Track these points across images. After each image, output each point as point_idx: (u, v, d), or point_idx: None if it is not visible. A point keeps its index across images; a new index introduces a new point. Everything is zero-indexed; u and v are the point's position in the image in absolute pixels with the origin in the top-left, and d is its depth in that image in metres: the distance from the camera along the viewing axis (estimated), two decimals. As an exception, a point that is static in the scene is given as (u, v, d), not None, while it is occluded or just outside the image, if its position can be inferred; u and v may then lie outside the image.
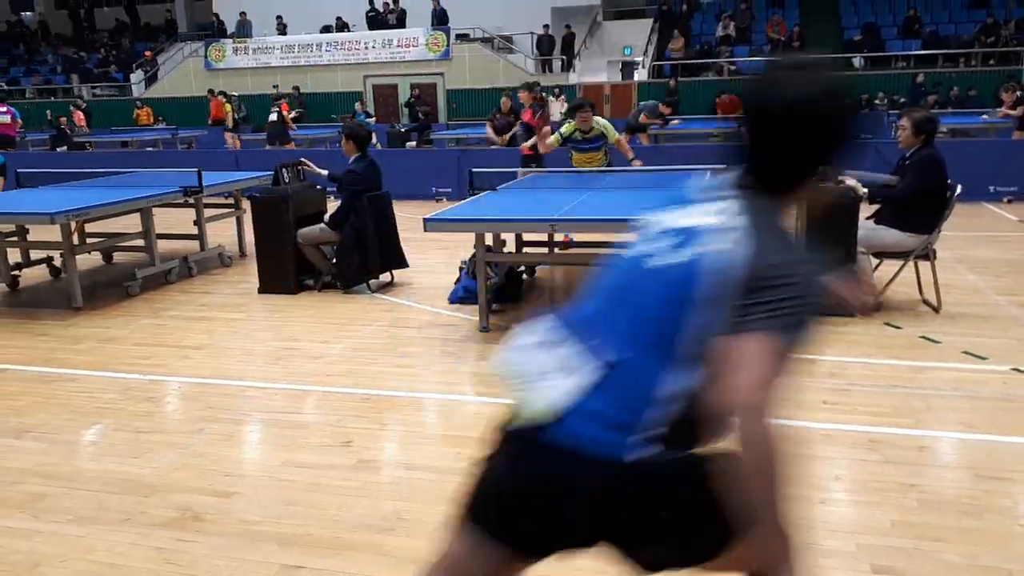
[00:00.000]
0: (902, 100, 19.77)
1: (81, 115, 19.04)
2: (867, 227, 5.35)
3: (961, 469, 3.21)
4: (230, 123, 17.03)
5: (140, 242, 7.03)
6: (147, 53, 25.92)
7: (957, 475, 3.17)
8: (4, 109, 14.52)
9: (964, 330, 4.99)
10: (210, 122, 18.45)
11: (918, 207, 5.20)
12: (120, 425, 3.92)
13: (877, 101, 20.23)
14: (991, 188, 9.97)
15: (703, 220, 1.50)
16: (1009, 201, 10.00)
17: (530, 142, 8.48)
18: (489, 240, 5.44)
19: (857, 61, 22.06)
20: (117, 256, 7.92)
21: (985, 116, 13.76)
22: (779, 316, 1.39)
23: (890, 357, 4.54)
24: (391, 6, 23.78)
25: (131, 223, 7.18)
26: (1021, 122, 12.54)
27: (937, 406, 3.85)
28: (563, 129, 7.31)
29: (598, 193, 5.81)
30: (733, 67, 22.32)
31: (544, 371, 1.53)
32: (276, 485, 3.25)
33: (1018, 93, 12.99)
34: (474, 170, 6.11)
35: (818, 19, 24.01)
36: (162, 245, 7.09)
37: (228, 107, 17.37)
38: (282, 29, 24.54)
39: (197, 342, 5.23)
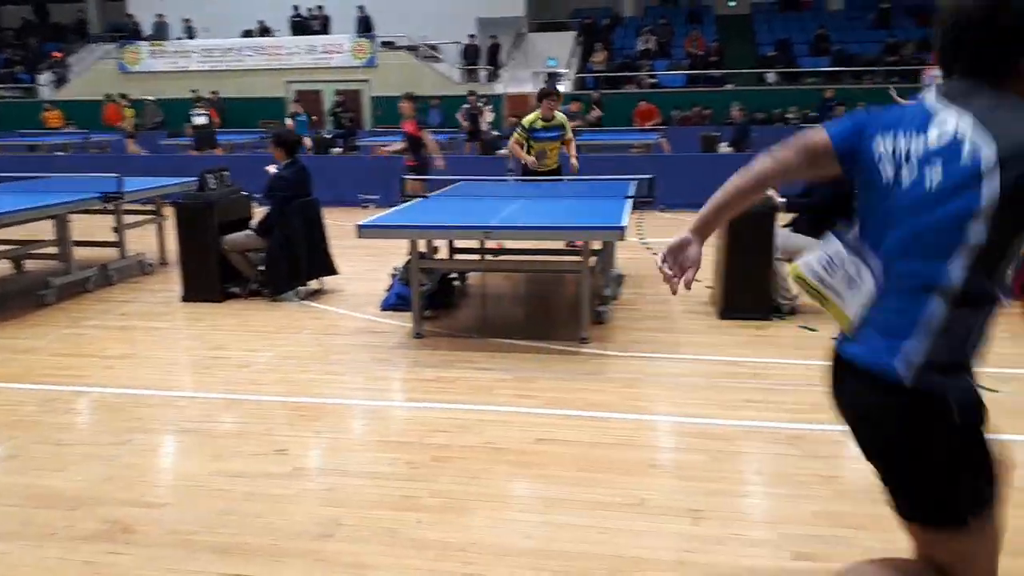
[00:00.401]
0: (813, 115, 20.68)
1: None
2: (783, 234, 5.60)
3: (874, 461, 3.40)
4: (130, 128, 16.47)
5: (53, 249, 6.76)
6: (55, 54, 24.89)
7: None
8: None
9: (874, 332, 5.27)
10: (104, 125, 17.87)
11: (834, 216, 5.47)
12: (41, 438, 3.78)
13: (789, 115, 21.11)
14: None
15: (957, 125, 1.58)
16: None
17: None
18: (422, 247, 5.47)
19: (771, 76, 22.97)
20: (28, 264, 7.59)
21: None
22: None
23: (807, 358, 4.75)
24: (316, 12, 23.51)
25: (40, 229, 6.89)
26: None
27: (851, 403, 4.06)
28: (524, 121, 7.53)
29: (529, 201, 5.90)
30: (654, 80, 22.89)
31: (836, 290, 1.71)
32: (209, 495, 3.20)
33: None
34: (405, 177, 6.12)
35: (734, 35, 24.89)
36: (77, 253, 6.84)
37: (129, 112, 16.80)
38: (190, 33, 23.93)
39: (120, 351, 5.08)
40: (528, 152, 7.57)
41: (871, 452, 1.72)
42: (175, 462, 3.53)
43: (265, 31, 23.72)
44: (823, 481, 3.23)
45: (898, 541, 2.77)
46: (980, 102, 1.57)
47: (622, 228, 4.61)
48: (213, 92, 20.94)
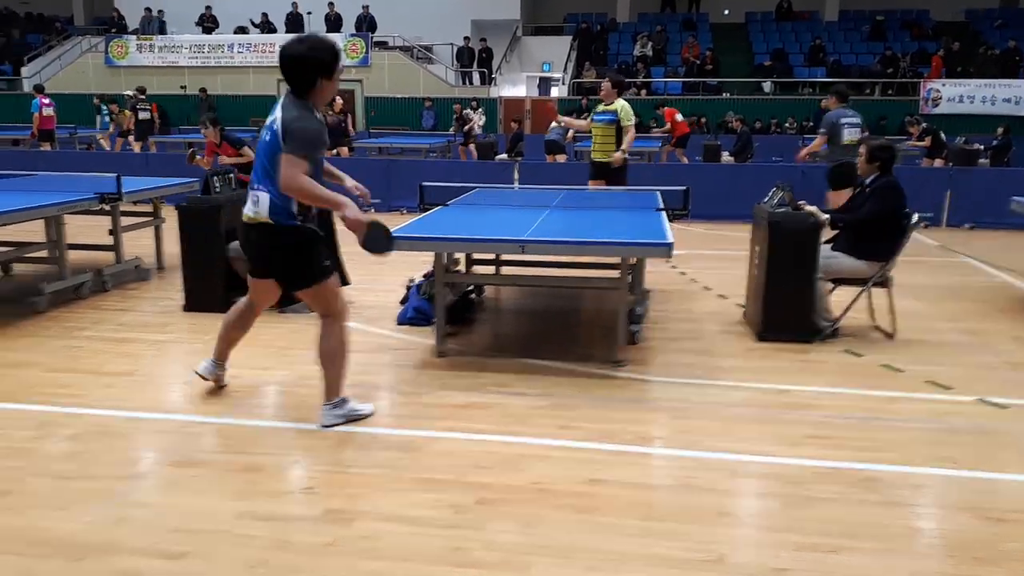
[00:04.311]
0: (810, 125, 20.54)
1: None
2: (825, 253, 5.33)
3: (962, 510, 3.12)
4: (127, 125, 16.08)
5: (44, 252, 6.37)
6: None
7: (961, 517, 3.07)
8: (48, 101, 14.76)
9: (921, 358, 5.01)
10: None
11: (876, 234, 5.22)
12: (39, 469, 3.41)
13: (787, 125, 20.97)
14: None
15: None
16: (925, 226, 10.39)
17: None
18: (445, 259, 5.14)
19: (767, 86, 22.83)
20: (17, 267, 7.18)
21: (897, 146, 14.39)
22: None
23: (859, 386, 4.49)
24: (329, 10, 23.11)
25: (31, 230, 6.49)
26: (929, 151, 13.18)
27: (917, 439, 3.79)
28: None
29: (557, 211, 5.60)
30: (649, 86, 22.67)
31: None
32: (235, 543, 2.85)
33: (922, 125, 13.66)
34: (425, 184, 5.79)
35: (729, 44, 24.73)
36: (70, 256, 6.44)
37: (126, 113, 16.36)
38: (161, 27, 23.49)
39: (120, 367, 4.71)
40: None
41: None
42: (193, 501, 3.17)
43: (267, 26, 23.26)
44: (912, 534, 2.94)
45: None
46: None
47: (669, 245, 4.31)
48: (202, 90, 20.50)
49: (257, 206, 3.59)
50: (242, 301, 4.13)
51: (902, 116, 18.53)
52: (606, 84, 7.64)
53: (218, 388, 4.32)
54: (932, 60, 21.36)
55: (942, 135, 13.42)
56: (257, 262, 3.83)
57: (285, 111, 3.52)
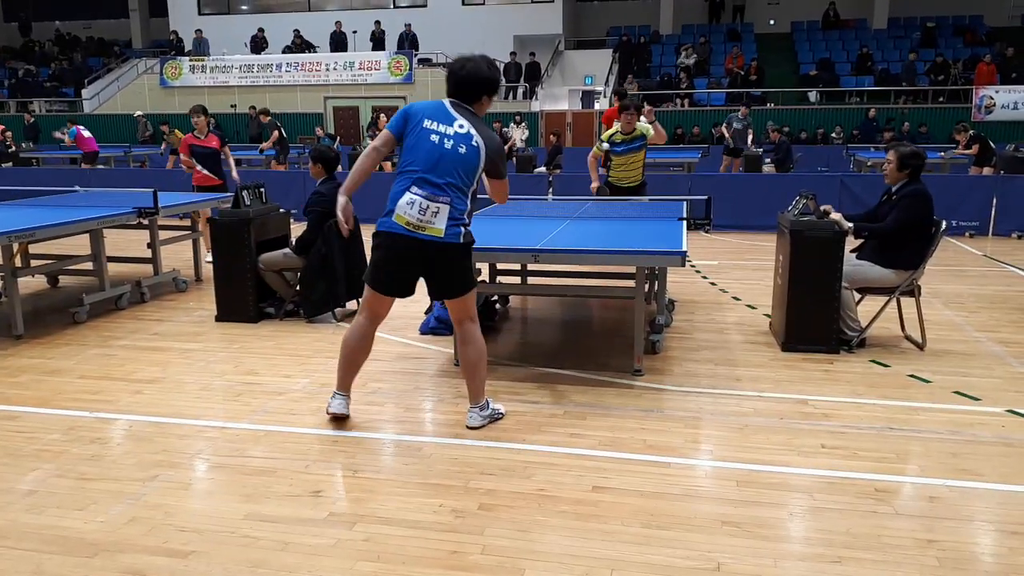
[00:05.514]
0: (857, 134, 20.16)
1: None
2: (851, 262, 5.24)
3: (977, 523, 3.04)
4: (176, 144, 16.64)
5: (88, 265, 6.61)
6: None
7: (975, 530, 2.99)
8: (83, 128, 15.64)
9: (951, 368, 4.88)
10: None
11: (903, 242, 5.11)
12: (63, 471, 3.54)
13: (833, 135, 20.60)
14: (953, 222, 10.05)
15: None
16: (971, 235, 10.12)
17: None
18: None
19: (812, 95, 22.49)
20: (63, 279, 7.47)
21: (942, 154, 14.03)
22: None
23: (882, 397, 4.39)
24: (375, 29, 23.57)
25: (78, 244, 6.76)
26: (977, 159, 12.82)
27: (938, 451, 3.69)
28: (604, 136, 7.22)
29: (577, 222, 5.61)
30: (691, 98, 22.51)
31: None
32: (239, 542, 2.92)
33: (970, 132, 13.29)
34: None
35: (774, 53, 24.44)
36: (112, 269, 6.68)
37: (177, 133, 16.87)
38: (206, 47, 24.18)
39: (150, 375, 4.86)
40: (608, 167, 7.26)
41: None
42: (203, 503, 3.26)
43: (308, 45, 23.80)
44: (921, 546, 2.86)
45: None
46: None
47: (683, 254, 4.29)
48: (252, 107, 21.02)
49: (436, 218, 3.60)
50: (359, 323, 3.89)
51: (953, 124, 18.07)
52: (632, 116, 6.93)
53: (341, 419, 4.06)
54: (978, 67, 20.74)
55: (990, 143, 13.03)
56: (414, 276, 3.81)
57: (479, 128, 3.69)
